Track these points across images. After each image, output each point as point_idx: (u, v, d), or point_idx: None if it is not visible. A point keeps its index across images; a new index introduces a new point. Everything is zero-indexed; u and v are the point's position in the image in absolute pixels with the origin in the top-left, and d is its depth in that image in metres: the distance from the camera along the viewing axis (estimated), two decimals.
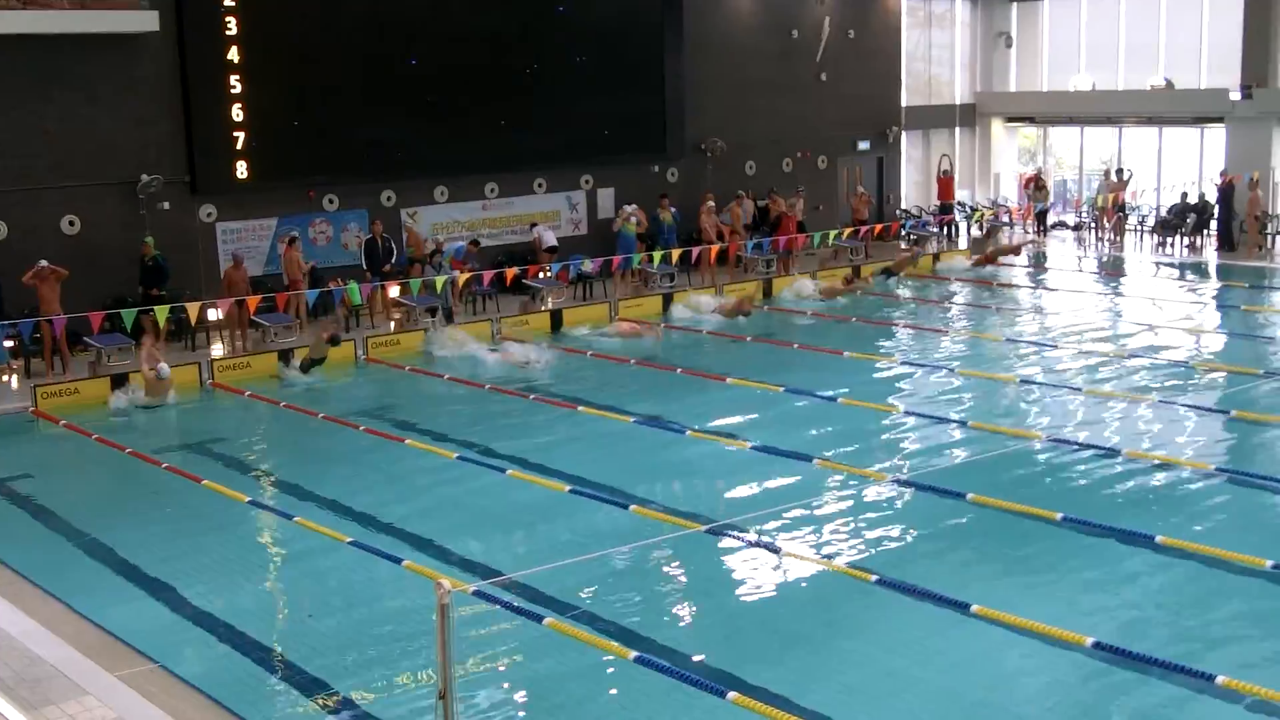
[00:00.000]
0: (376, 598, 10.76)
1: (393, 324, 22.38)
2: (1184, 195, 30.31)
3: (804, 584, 10.96)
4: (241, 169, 22.52)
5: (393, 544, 11.86)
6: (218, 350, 20.91)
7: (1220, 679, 8.39)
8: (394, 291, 22.35)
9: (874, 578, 10.58)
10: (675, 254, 24.48)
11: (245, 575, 11.61)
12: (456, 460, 14.63)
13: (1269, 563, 10.45)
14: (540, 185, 26.43)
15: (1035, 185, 32.16)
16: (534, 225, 25.54)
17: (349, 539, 11.86)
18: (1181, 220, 29.85)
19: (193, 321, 20.33)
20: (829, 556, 11.35)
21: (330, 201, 23.87)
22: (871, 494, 13.01)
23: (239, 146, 22.42)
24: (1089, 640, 9.09)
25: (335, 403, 17.54)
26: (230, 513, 13.13)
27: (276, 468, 14.87)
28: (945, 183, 32.11)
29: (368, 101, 23.68)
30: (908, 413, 16.20)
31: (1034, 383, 17.42)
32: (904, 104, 33.00)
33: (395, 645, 9.82)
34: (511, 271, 23.27)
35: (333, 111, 23.29)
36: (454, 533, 12.21)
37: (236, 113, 22.32)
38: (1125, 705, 8.59)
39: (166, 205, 21.90)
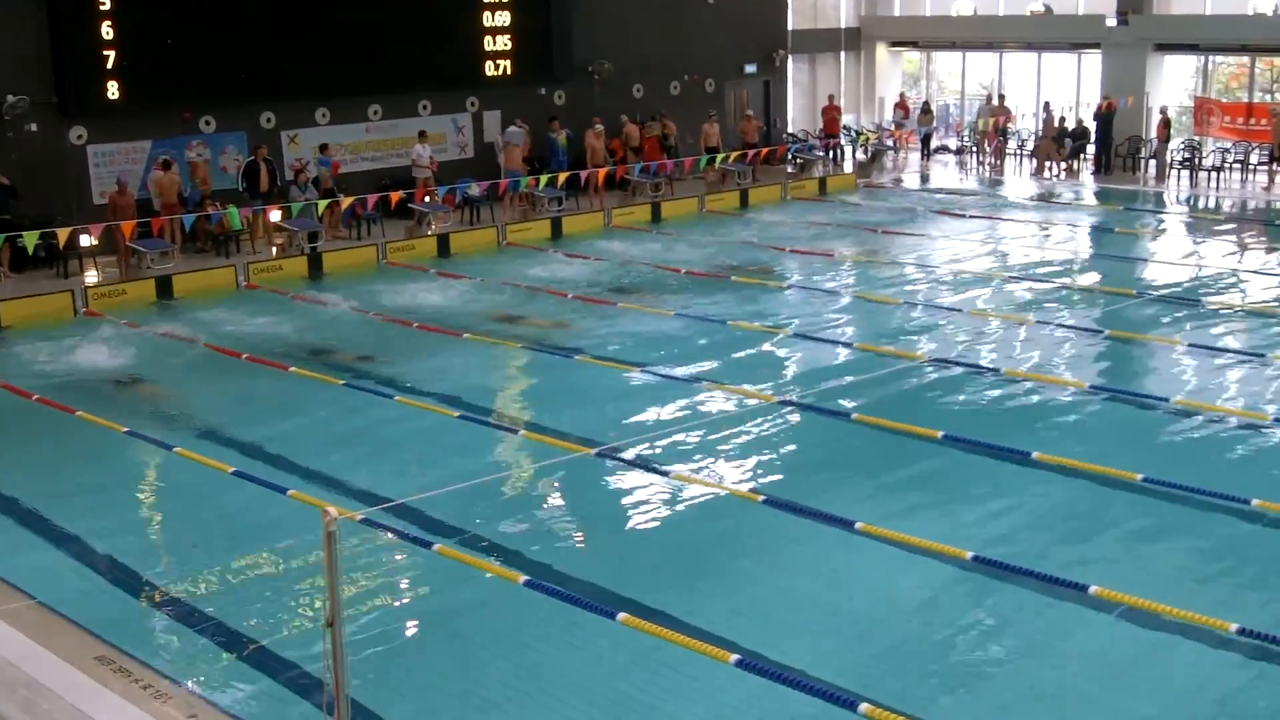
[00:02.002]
0: (261, 528, 10.62)
1: (274, 249, 21.92)
2: (1061, 120, 30.81)
3: (692, 506, 11.05)
4: (113, 89, 21.72)
5: (278, 473, 11.70)
6: (92, 277, 20.30)
7: (1093, 589, 8.71)
8: (275, 216, 21.85)
9: (761, 498, 10.74)
10: (562, 177, 24.22)
11: (125, 507, 11.40)
12: (343, 388, 14.46)
13: (1140, 476, 10.79)
14: (425, 107, 25.95)
15: (922, 109, 32.48)
16: (422, 134, 24.90)
17: (232, 469, 11.68)
18: (1059, 144, 30.36)
19: (61, 246, 19.67)
20: (717, 478, 11.46)
21: (207, 123, 23.17)
22: (758, 415, 13.13)
23: (109, 66, 21.59)
24: (968, 554, 9.37)
25: (216, 330, 17.17)
26: (107, 444, 12.84)
27: (155, 398, 14.54)
28: (830, 114, 32.11)
29: (245, 19, 22.92)
30: (794, 335, 16.38)
31: (917, 304, 17.70)
32: (790, 27, 32.97)
33: (282, 575, 9.72)
34: (396, 195, 22.86)
35: (208, 29, 22.50)
36: (341, 461, 12.08)
37: (106, 30, 21.45)
38: (1002, 615, 8.85)
39: (34, 127, 21.08)
